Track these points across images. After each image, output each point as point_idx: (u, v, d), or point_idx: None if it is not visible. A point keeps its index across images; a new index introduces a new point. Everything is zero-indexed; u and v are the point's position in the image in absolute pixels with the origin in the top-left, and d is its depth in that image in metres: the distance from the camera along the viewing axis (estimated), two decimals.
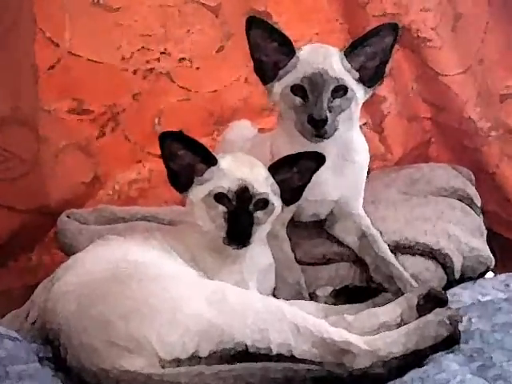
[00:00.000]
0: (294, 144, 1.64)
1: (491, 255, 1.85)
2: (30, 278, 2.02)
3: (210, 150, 1.55)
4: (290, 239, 1.76)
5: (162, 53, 2.22)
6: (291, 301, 1.54)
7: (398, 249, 1.75)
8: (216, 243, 1.50)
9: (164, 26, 2.21)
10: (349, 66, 1.60)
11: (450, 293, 1.60)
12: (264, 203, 1.51)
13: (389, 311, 1.42)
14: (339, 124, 1.58)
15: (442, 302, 1.44)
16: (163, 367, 1.18)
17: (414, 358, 1.26)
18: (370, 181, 1.84)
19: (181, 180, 1.53)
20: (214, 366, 1.19)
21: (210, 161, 1.52)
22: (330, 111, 1.55)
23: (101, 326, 1.21)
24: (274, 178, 1.55)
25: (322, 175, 1.62)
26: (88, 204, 2.18)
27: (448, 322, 1.30)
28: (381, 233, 1.75)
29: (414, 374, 1.23)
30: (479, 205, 2.04)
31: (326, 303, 1.61)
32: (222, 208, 1.49)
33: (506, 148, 2.29)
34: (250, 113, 2.30)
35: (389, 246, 1.73)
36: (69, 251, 1.79)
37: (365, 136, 1.79)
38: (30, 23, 1.99)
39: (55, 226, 1.94)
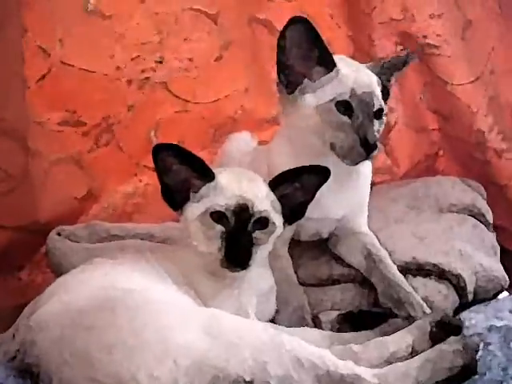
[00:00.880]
0: (298, 157, 1.55)
1: (505, 275, 1.77)
2: (20, 299, 1.91)
3: (208, 164, 1.46)
4: (291, 258, 1.68)
5: (157, 62, 2.16)
6: (293, 329, 1.46)
7: (407, 270, 1.66)
8: (212, 265, 1.42)
9: (160, 33, 2.15)
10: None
11: (461, 317, 1.51)
12: (264, 222, 1.43)
13: (399, 340, 1.33)
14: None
15: (457, 330, 1.35)
16: None
17: None
18: (375, 195, 1.78)
19: (175, 196, 1.45)
20: None
21: (207, 176, 1.44)
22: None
23: (83, 360, 1.11)
24: (275, 194, 1.47)
25: (324, 191, 1.52)
26: (80, 220, 2.11)
27: (464, 351, 1.23)
28: (389, 252, 1.67)
29: None
30: (491, 221, 1.97)
31: (330, 329, 1.53)
32: (219, 227, 1.40)
33: None
34: (250, 124, 2.24)
35: (398, 266, 1.64)
36: (58, 271, 1.73)
37: None
38: (18, 31, 1.92)
39: (46, 243, 1.87)
